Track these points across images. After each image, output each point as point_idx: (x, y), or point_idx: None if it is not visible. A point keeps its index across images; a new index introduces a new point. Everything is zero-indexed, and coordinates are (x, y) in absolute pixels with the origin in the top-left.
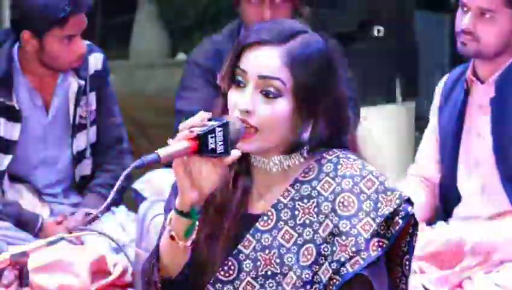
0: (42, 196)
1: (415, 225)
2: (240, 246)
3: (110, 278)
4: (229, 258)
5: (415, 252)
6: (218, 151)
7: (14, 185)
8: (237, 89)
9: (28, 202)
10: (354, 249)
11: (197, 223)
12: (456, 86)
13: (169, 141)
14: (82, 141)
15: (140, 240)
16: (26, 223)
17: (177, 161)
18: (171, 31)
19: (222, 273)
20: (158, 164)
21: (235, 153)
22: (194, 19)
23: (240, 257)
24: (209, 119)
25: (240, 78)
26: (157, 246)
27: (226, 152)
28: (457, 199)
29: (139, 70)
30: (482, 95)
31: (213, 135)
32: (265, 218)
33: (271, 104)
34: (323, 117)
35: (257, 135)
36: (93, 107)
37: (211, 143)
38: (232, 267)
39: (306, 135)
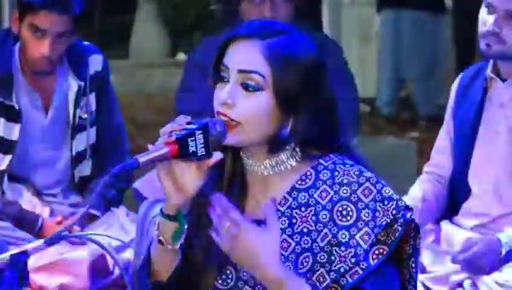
0: (42, 196)
1: (417, 228)
2: None
3: (110, 278)
4: (227, 266)
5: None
6: (199, 154)
7: (14, 185)
8: (221, 84)
9: (28, 202)
10: (353, 260)
11: (186, 226)
12: (473, 84)
13: (149, 146)
14: (82, 142)
15: (140, 240)
16: (26, 223)
17: (160, 165)
18: (171, 31)
19: (220, 281)
20: (138, 169)
21: (217, 155)
22: (194, 19)
23: (238, 266)
24: (189, 123)
25: (223, 73)
26: (148, 251)
27: (208, 154)
28: (466, 194)
29: (139, 70)
30: (503, 93)
31: (193, 138)
32: (262, 226)
33: (250, 97)
34: (305, 115)
35: (239, 127)
36: (93, 108)
37: (191, 146)
38: (230, 276)
39: (285, 132)
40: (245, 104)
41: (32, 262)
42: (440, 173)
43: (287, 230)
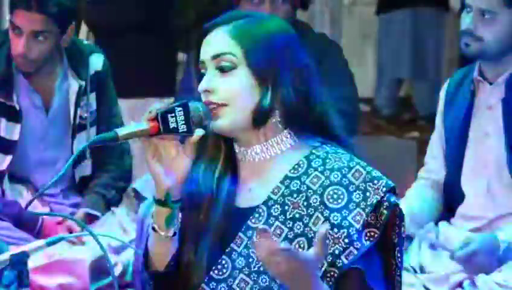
0: (42, 196)
1: (401, 215)
2: (232, 244)
3: (110, 278)
4: (223, 256)
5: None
6: (180, 131)
7: (14, 185)
8: (202, 80)
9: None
10: (347, 240)
11: (177, 211)
12: (460, 88)
13: (131, 122)
14: (82, 141)
15: (140, 240)
16: (26, 223)
17: (147, 147)
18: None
19: (216, 271)
20: (116, 142)
21: (199, 132)
22: (194, 19)
23: (232, 255)
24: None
25: (202, 70)
26: (146, 244)
27: (189, 131)
28: (460, 198)
29: None
30: (490, 96)
31: (173, 115)
32: (256, 215)
33: (228, 77)
34: (283, 85)
35: (225, 109)
36: (94, 107)
37: (172, 122)
38: (226, 265)
39: (265, 101)
40: (224, 85)
41: (32, 262)
42: (435, 178)
43: (279, 217)
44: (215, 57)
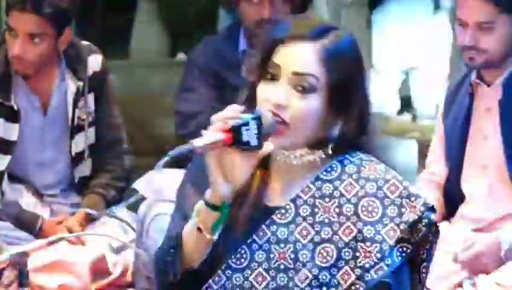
0: (42, 196)
1: (436, 233)
2: (254, 236)
3: (110, 278)
4: (243, 246)
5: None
6: (252, 144)
7: (14, 185)
8: (268, 82)
9: (28, 202)
10: (379, 255)
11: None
12: (460, 90)
13: (203, 132)
14: (80, 142)
15: (140, 240)
16: (26, 223)
17: (211, 154)
18: (171, 31)
19: (234, 260)
20: (192, 154)
21: (267, 147)
22: (194, 19)
23: (253, 247)
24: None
25: (272, 71)
26: (177, 235)
27: (259, 145)
28: (460, 199)
29: (139, 70)
30: (488, 98)
31: (247, 128)
32: (282, 211)
33: (305, 99)
34: (353, 115)
35: (289, 131)
36: (92, 108)
37: (245, 136)
38: (244, 256)
39: (335, 132)
40: (298, 106)
41: (32, 262)
42: (437, 180)
43: (308, 218)
44: (298, 74)
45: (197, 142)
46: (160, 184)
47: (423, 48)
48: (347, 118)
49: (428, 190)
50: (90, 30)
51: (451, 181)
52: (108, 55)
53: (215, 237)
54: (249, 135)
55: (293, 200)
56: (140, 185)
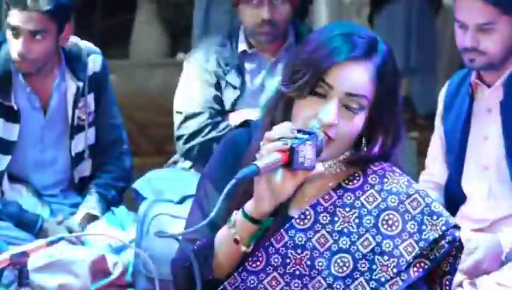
0: (42, 196)
1: (460, 248)
2: (271, 239)
3: (110, 278)
4: (260, 249)
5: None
6: (306, 165)
7: (13, 186)
8: (316, 99)
9: (28, 202)
10: (395, 270)
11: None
12: (459, 91)
13: (262, 150)
14: (80, 142)
15: (140, 240)
16: (26, 223)
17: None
18: (171, 31)
19: (250, 263)
20: (258, 175)
21: (319, 168)
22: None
23: (269, 250)
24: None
25: (321, 90)
26: (209, 243)
27: (313, 166)
28: (462, 200)
29: (139, 70)
30: (489, 99)
31: (303, 149)
32: (302, 217)
33: (353, 118)
34: (392, 129)
35: (332, 145)
36: (92, 108)
37: (301, 157)
38: (260, 259)
39: (375, 149)
40: (346, 124)
41: (32, 262)
42: (437, 180)
43: (327, 226)
44: (352, 95)
45: (260, 164)
46: (160, 184)
47: (423, 47)
48: (386, 133)
49: (427, 190)
50: (90, 30)
51: (452, 182)
52: (108, 55)
53: (250, 249)
54: (304, 156)
55: (313, 207)
56: (140, 185)
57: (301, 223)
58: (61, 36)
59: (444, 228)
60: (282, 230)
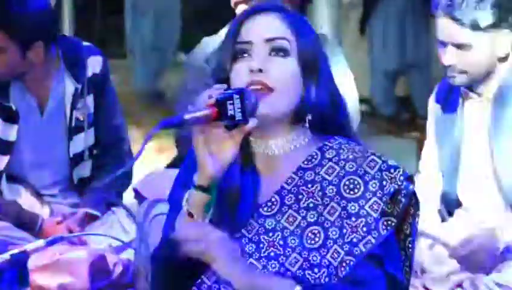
0: (41, 196)
1: (417, 204)
2: (243, 231)
3: (110, 278)
4: (233, 241)
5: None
6: (237, 118)
7: (13, 185)
8: (241, 60)
9: (27, 202)
10: (365, 229)
11: (215, 198)
12: (449, 98)
13: (189, 107)
14: (79, 143)
15: (140, 240)
16: (26, 223)
17: (197, 132)
18: None
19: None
20: (181, 126)
21: (253, 122)
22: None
23: (242, 241)
24: (225, 90)
25: (244, 47)
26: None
27: (245, 120)
28: (458, 205)
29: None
30: (480, 109)
31: (231, 102)
32: (269, 204)
33: (282, 62)
34: (323, 86)
35: (272, 95)
36: (91, 110)
37: (230, 110)
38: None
39: (310, 97)
40: (278, 69)
41: (32, 262)
42: (430, 185)
43: (293, 206)
44: (270, 40)
45: (187, 115)
46: (160, 184)
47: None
48: (317, 83)
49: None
50: (90, 30)
51: (447, 190)
52: (108, 54)
53: (207, 220)
54: (234, 109)
55: (278, 193)
56: (140, 185)
57: (269, 209)
58: (30, 53)
59: (401, 178)
60: (251, 220)
